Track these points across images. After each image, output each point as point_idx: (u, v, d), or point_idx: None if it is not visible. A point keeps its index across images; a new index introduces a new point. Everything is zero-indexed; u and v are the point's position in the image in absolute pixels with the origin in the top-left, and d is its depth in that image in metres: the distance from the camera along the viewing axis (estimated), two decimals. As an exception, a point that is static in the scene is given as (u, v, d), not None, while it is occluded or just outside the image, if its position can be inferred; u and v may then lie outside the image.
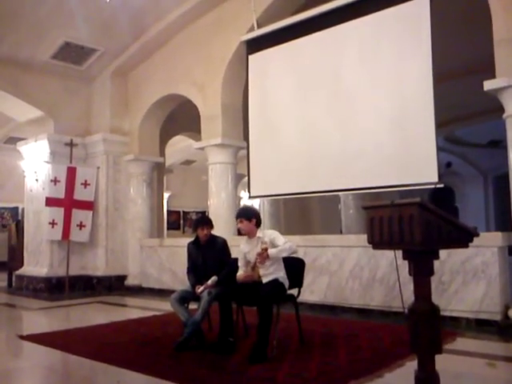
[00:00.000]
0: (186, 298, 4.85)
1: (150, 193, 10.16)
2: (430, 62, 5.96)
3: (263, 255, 4.30)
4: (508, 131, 5.35)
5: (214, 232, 5.12)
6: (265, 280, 4.42)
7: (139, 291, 9.32)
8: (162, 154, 10.85)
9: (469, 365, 4.02)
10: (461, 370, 3.76)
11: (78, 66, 9.59)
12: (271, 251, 4.33)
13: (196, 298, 4.77)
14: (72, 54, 9.15)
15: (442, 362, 2.83)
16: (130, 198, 9.98)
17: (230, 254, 5.07)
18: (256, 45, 7.93)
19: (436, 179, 5.88)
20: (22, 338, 5.32)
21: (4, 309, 8.01)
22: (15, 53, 8.83)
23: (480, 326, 5.28)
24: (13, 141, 11.60)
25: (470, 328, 5.29)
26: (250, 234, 4.62)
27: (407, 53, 6.27)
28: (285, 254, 4.41)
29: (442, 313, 2.94)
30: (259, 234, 4.58)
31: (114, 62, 9.75)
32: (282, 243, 4.39)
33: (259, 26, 7.82)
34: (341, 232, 11.76)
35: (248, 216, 4.57)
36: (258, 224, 4.62)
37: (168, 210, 17.00)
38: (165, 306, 6.39)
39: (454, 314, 5.45)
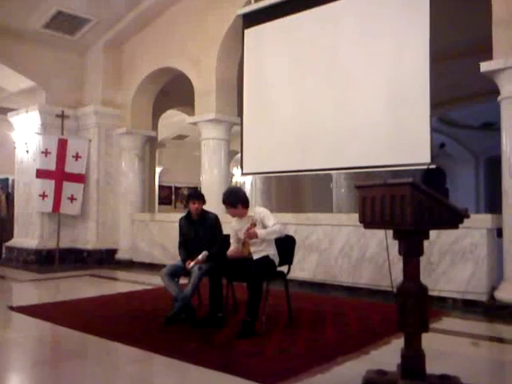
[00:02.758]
0: (176, 273, 4.87)
1: (142, 167, 10.11)
2: (428, 42, 5.91)
3: (251, 232, 4.32)
4: (502, 113, 5.34)
5: (206, 208, 5.12)
6: (255, 257, 4.45)
7: (130, 265, 9.35)
8: (155, 128, 10.77)
9: (454, 344, 4.10)
10: (446, 349, 3.82)
11: (70, 36, 9.42)
12: (260, 232, 4.35)
13: (187, 272, 4.79)
14: (64, 23, 8.97)
15: (427, 340, 2.88)
16: (121, 172, 9.92)
17: (221, 230, 5.08)
18: (252, 19, 7.79)
19: (429, 160, 5.89)
20: (12, 309, 5.35)
21: (-6, 280, 8.03)
22: (6, 21, 8.64)
23: (466, 307, 5.36)
24: (3, 111, 11.42)
25: (456, 308, 5.37)
26: (240, 216, 4.62)
27: (404, 32, 6.20)
28: (273, 237, 4.45)
29: (430, 293, 2.97)
30: (250, 212, 4.59)
31: (107, 33, 9.58)
32: (272, 224, 4.41)
33: (256, 0, 7.69)
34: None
35: (233, 203, 4.54)
36: (246, 205, 4.60)
37: (160, 185, 16.96)
38: (155, 281, 6.42)
39: (442, 294, 5.53)
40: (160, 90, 10.00)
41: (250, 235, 4.34)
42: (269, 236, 4.40)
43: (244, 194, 4.74)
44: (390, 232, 2.89)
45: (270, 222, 4.44)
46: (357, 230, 6.16)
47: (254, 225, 4.38)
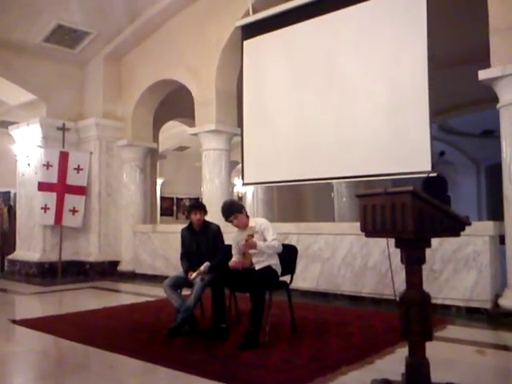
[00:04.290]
0: (179, 284, 4.86)
1: (143, 179, 10.12)
2: (426, 50, 5.94)
3: (250, 242, 4.34)
4: (502, 121, 5.36)
5: (208, 218, 5.13)
6: (258, 267, 4.44)
7: (132, 277, 9.33)
8: (156, 139, 10.80)
9: (458, 352, 4.07)
10: (450, 357, 3.80)
11: (70, 49, 9.49)
12: (260, 244, 4.38)
13: (189, 284, 4.78)
14: (65, 37, 9.04)
15: (432, 348, 2.87)
16: (122, 184, 9.95)
17: (223, 241, 5.08)
18: (251, 30, 7.85)
19: (429, 168, 5.90)
20: (15, 322, 5.33)
21: (-4, 293, 8.02)
22: (7, 35, 8.70)
23: (470, 314, 5.34)
24: (4, 124, 11.49)
25: (460, 316, 5.35)
26: (244, 225, 4.62)
27: (403, 41, 6.24)
28: (270, 251, 4.46)
29: (433, 301, 2.96)
30: (251, 223, 4.60)
31: (107, 46, 9.65)
32: (271, 238, 4.44)
33: (255, 11, 7.74)
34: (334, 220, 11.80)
35: (237, 210, 4.58)
36: (246, 211, 4.66)
37: (161, 197, 16.99)
38: (158, 292, 6.41)
39: (445, 302, 5.51)
40: (160, 101, 10.05)
41: (250, 245, 4.36)
42: (267, 250, 4.43)
43: (237, 204, 4.80)
44: (392, 240, 2.89)
45: (269, 235, 4.47)
46: (359, 238, 6.15)
47: (251, 235, 4.40)
